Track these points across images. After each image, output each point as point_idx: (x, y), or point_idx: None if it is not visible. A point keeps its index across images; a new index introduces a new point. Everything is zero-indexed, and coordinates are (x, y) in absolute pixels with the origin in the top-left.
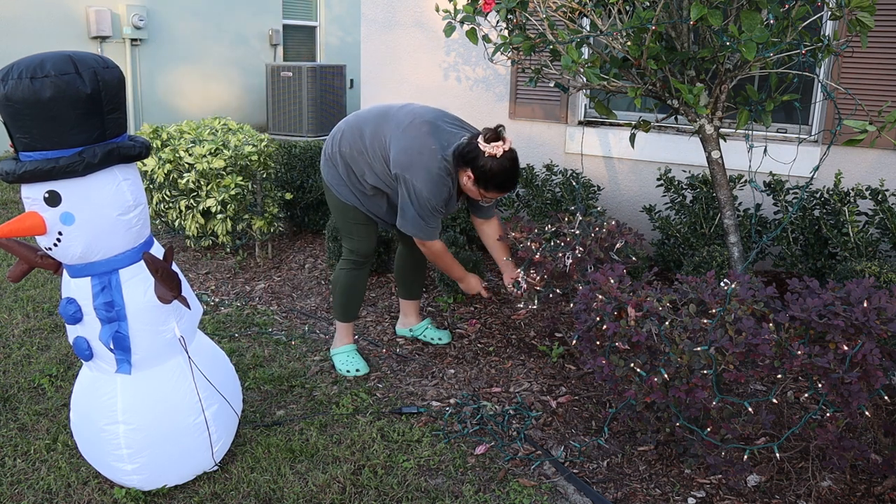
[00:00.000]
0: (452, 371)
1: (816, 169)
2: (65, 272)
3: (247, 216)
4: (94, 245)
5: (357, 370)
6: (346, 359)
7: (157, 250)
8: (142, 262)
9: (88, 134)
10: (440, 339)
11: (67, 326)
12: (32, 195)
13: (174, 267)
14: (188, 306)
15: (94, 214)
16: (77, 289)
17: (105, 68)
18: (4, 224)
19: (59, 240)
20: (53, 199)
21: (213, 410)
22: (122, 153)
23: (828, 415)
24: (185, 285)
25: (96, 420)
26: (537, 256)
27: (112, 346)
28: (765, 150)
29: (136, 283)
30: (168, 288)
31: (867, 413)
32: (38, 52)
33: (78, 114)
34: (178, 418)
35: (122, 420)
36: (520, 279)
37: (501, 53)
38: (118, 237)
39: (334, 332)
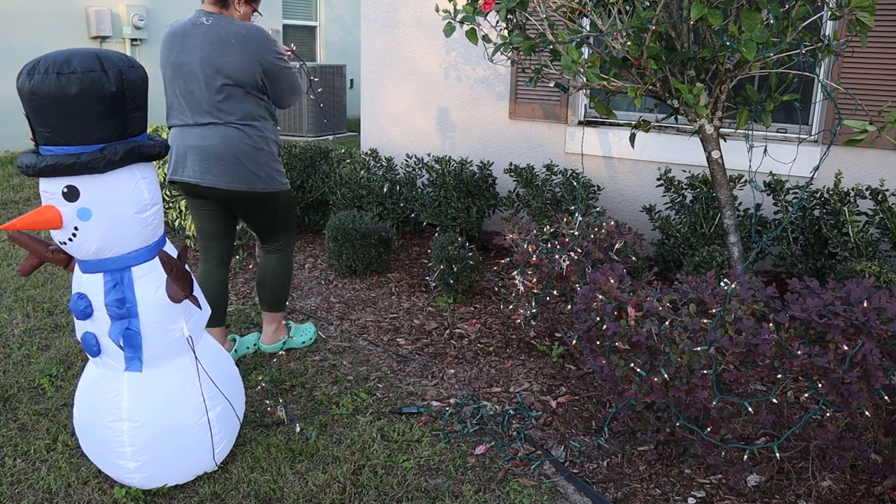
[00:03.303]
0: (452, 371)
1: (816, 169)
2: (76, 267)
3: None
4: (109, 241)
5: (314, 333)
6: (301, 331)
7: (170, 250)
8: (154, 260)
9: (110, 131)
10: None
11: (76, 322)
12: (51, 189)
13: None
14: (199, 306)
15: (111, 211)
16: (89, 284)
17: (130, 67)
18: (22, 217)
19: (74, 235)
20: (72, 194)
21: (216, 411)
22: (143, 152)
23: (828, 415)
24: (196, 285)
25: (101, 416)
26: (534, 259)
27: (122, 344)
28: (765, 150)
29: (148, 281)
30: (180, 287)
31: (867, 413)
32: (38, 53)
33: (101, 111)
34: (183, 417)
35: (127, 417)
36: (516, 280)
37: (501, 53)
38: (133, 235)
39: (267, 327)
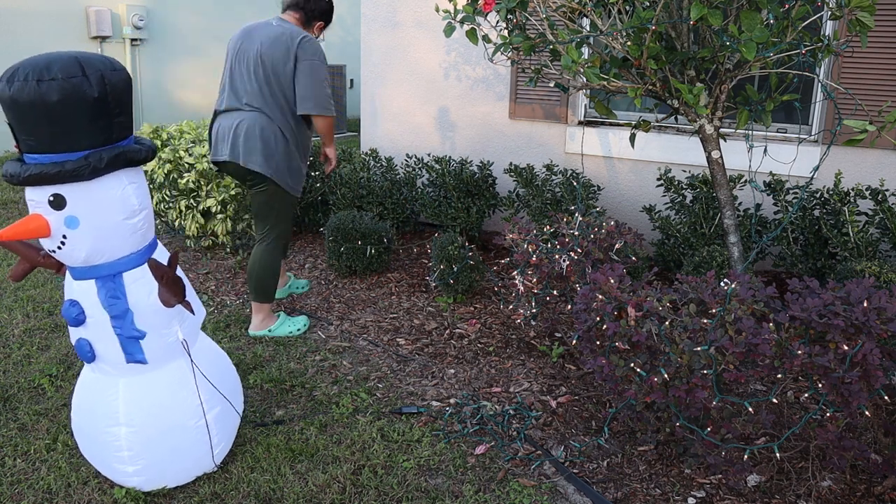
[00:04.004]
0: (452, 371)
1: (816, 169)
2: (67, 273)
3: (247, 216)
4: (98, 248)
5: (305, 324)
6: (290, 322)
7: (161, 253)
8: (146, 264)
9: (95, 137)
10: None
11: (70, 328)
12: (37, 198)
13: (178, 271)
14: (192, 311)
15: (100, 218)
16: (80, 291)
17: (112, 71)
18: (9, 227)
19: (63, 243)
20: (58, 203)
21: (214, 413)
22: (129, 157)
23: (828, 415)
24: (189, 288)
25: (98, 421)
26: (534, 259)
27: (137, 333)
28: (765, 150)
29: (140, 286)
30: (172, 293)
31: (867, 413)
32: (38, 53)
33: (85, 117)
34: (180, 420)
35: (124, 422)
36: (517, 280)
37: (501, 53)
38: (123, 241)
39: (254, 315)
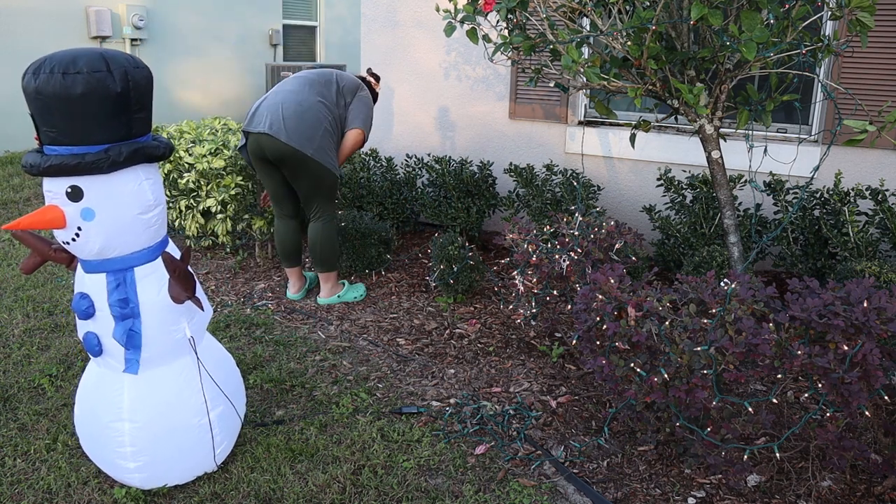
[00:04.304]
0: (452, 371)
1: (816, 169)
2: (79, 267)
3: (247, 216)
4: (112, 242)
5: (364, 292)
6: (353, 289)
7: (173, 250)
8: (157, 260)
9: (115, 132)
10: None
11: (78, 321)
12: (55, 189)
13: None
14: (202, 307)
15: (115, 212)
16: (91, 284)
17: (136, 68)
18: (25, 217)
19: (77, 235)
20: (76, 195)
21: (217, 412)
22: (147, 153)
23: (828, 415)
24: (198, 286)
25: (101, 416)
26: (534, 259)
27: (125, 344)
28: (765, 150)
29: (151, 282)
30: (183, 288)
31: (867, 413)
32: (39, 53)
33: (106, 111)
34: (184, 418)
35: (128, 418)
36: (517, 280)
37: (501, 53)
38: (136, 235)
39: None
